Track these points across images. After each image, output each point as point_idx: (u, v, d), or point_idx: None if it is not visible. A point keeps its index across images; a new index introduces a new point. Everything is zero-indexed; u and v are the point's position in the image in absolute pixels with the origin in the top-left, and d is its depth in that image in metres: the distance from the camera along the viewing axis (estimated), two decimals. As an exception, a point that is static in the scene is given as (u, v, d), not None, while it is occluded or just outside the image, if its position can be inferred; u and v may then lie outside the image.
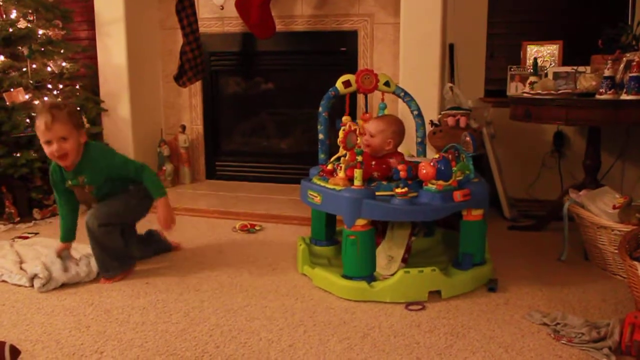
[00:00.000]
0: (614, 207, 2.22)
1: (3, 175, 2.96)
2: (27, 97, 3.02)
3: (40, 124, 2.04)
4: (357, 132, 2.14)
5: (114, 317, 1.86)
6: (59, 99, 3.14)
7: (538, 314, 1.85)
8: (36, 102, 3.04)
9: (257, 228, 2.92)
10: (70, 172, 2.16)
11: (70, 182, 2.18)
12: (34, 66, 3.16)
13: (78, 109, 3.20)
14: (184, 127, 3.85)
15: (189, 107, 3.92)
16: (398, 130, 2.18)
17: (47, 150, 2.07)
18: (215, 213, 3.18)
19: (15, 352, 1.56)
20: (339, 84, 2.35)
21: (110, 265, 2.20)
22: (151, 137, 3.79)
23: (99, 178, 2.17)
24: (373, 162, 2.15)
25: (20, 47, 3.12)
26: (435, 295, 1.99)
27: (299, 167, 3.47)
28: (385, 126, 2.16)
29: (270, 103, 3.95)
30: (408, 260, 2.15)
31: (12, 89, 2.96)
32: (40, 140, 2.09)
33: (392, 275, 2.00)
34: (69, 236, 2.26)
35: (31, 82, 3.07)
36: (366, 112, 2.46)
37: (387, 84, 2.41)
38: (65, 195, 2.25)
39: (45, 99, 3.12)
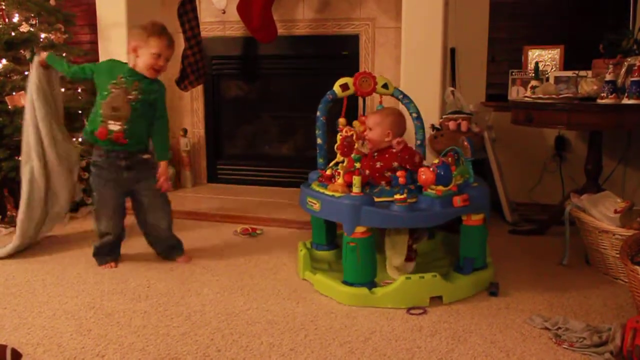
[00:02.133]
0: (616, 212, 2.23)
1: (5, 179, 2.96)
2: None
3: (164, 38, 2.30)
4: (355, 136, 2.13)
5: (116, 320, 1.86)
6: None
7: (539, 318, 1.84)
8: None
9: (258, 232, 2.92)
10: (134, 71, 2.31)
11: (123, 78, 2.29)
12: (36, 70, 3.16)
13: (79, 112, 3.21)
14: (185, 131, 3.85)
15: (190, 111, 3.93)
16: (396, 121, 2.18)
17: (151, 60, 2.28)
18: (217, 217, 3.18)
19: (16, 355, 1.56)
20: (336, 87, 2.34)
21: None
22: (153, 140, 3.79)
23: (146, 96, 2.33)
24: (375, 154, 2.16)
25: (22, 51, 3.13)
26: (437, 299, 1.99)
27: (301, 171, 3.47)
28: (382, 118, 2.17)
29: (272, 107, 3.95)
30: (415, 259, 2.16)
31: (14, 93, 2.96)
32: (148, 49, 2.28)
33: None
34: (54, 61, 2.47)
35: (33, 85, 3.07)
36: (364, 114, 2.46)
37: (385, 86, 2.41)
38: (88, 77, 2.39)
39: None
